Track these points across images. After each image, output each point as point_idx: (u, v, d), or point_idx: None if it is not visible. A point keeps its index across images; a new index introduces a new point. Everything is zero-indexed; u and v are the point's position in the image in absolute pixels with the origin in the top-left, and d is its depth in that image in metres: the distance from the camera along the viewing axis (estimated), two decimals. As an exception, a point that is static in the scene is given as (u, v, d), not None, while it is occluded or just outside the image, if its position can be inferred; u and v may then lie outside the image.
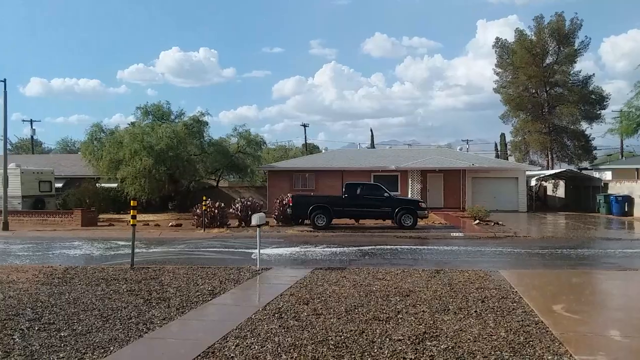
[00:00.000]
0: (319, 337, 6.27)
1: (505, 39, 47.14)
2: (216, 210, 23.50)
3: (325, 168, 33.68)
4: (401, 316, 7.26)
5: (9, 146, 28.81)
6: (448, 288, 9.21)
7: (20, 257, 15.28)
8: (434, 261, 14.07)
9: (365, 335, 6.32)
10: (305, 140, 62.06)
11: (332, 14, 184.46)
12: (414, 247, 17.24)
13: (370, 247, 16.99)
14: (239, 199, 26.35)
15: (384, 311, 7.54)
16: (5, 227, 23.49)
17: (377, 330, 6.53)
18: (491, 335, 6.35)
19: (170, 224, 25.19)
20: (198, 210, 23.55)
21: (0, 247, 17.87)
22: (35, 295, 8.72)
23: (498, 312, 7.51)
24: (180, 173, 31.27)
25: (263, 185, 37.11)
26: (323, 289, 9.20)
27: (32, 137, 58.32)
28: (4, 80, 24.48)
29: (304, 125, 61.72)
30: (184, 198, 32.79)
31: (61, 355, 5.64)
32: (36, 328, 6.69)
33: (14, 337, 6.32)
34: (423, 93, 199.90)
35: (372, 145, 66.53)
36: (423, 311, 7.55)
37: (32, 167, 32.13)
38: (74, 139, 65.80)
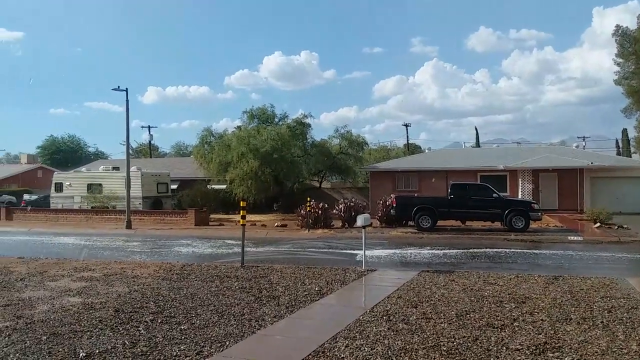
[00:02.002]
0: (430, 342, 6.07)
1: (627, 27, 43.00)
2: (320, 211, 23.81)
3: (429, 168, 32.91)
4: (517, 324, 6.86)
5: (130, 150, 31.07)
6: (569, 296, 8.57)
7: (142, 254, 16.50)
8: (550, 266, 13.24)
9: (480, 343, 6.03)
10: (407, 140, 61.16)
11: (433, 11, 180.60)
12: (527, 250, 16.33)
13: (478, 250, 16.33)
14: (341, 199, 26.50)
15: (499, 318, 7.17)
16: (129, 225, 25.49)
17: (492, 338, 6.21)
18: (621, 349, 5.81)
19: (276, 224, 25.95)
20: (302, 211, 24.04)
21: (124, 244, 19.43)
22: (157, 289, 9.32)
23: (628, 324, 6.86)
24: (285, 174, 32.13)
25: (365, 186, 37.03)
26: (431, 292, 8.95)
27: (149, 142, 62.75)
28: (126, 90, 26.18)
29: (406, 125, 60.88)
30: (288, 199, 33.60)
31: (182, 347, 5.95)
32: (159, 321, 7.13)
33: (139, 328, 6.77)
34: (532, 88, 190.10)
35: (477, 144, 63.99)
36: (542, 320, 7.08)
37: (151, 170, 34.63)
38: (186, 143, 70.09)
